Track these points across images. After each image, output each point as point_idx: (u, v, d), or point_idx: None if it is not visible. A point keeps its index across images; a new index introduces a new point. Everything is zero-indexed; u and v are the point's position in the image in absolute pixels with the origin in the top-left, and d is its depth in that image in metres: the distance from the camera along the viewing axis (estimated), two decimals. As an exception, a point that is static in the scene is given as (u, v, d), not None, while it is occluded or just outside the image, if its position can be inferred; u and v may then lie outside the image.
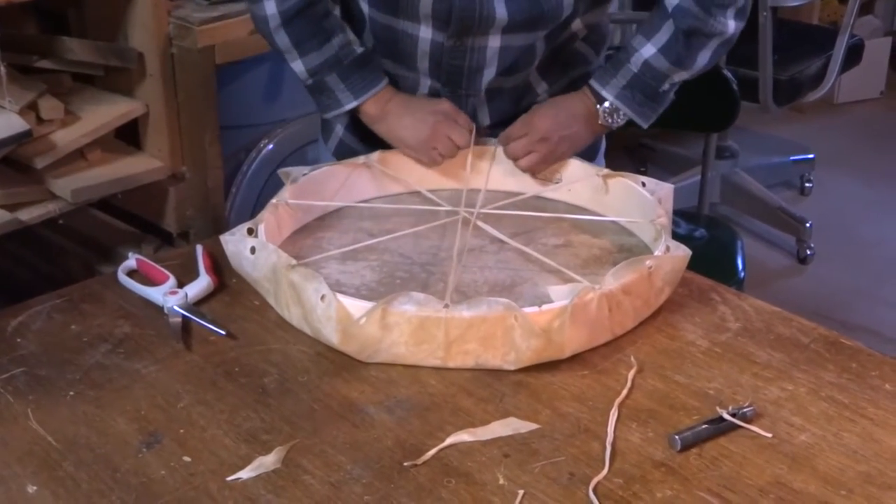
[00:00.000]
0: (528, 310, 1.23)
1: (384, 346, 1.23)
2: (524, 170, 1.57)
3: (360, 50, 1.56)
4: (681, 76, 1.54)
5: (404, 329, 1.22)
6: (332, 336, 1.25)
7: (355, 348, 1.24)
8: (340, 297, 1.24)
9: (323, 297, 1.24)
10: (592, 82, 1.56)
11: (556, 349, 1.24)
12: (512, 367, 1.24)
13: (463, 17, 1.49)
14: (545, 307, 1.24)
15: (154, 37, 2.12)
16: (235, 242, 1.37)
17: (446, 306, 1.22)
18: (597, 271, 1.38)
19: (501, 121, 1.62)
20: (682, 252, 1.36)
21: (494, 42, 1.53)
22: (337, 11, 1.57)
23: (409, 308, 1.22)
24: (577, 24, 1.59)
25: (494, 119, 1.62)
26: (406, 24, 1.54)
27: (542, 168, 1.58)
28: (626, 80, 1.53)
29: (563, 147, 1.57)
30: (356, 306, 1.23)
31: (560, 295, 1.29)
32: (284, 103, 2.55)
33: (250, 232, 1.37)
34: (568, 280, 1.34)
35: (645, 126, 1.58)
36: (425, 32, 1.53)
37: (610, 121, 1.56)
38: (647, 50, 1.51)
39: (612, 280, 1.27)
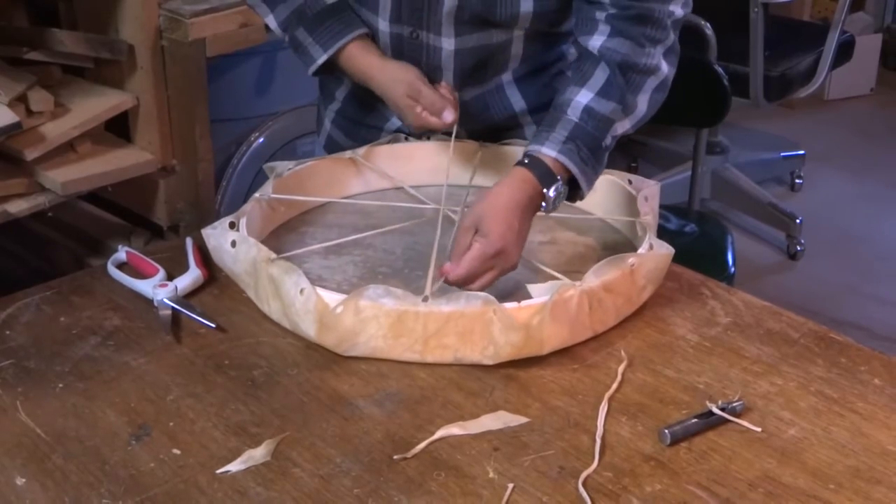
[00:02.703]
0: (507, 306, 1.23)
1: (362, 339, 1.23)
2: (479, 289, 1.28)
3: (330, 1, 1.52)
4: (623, 126, 1.40)
5: (383, 322, 1.22)
6: (309, 329, 1.25)
7: (333, 341, 1.24)
8: (320, 290, 1.24)
9: (302, 291, 1.24)
10: (529, 150, 1.36)
11: (536, 345, 1.23)
12: (490, 362, 1.24)
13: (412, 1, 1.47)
14: (524, 303, 1.24)
15: (144, 29, 2.12)
16: (217, 236, 1.37)
17: (425, 300, 1.22)
18: (581, 269, 1.37)
19: (473, 131, 1.60)
20: (666, 250, 1.36)
21: (448, 44, 1.50)
22: None
23: (388, 302, 1.22)
24: (572, 51, 1.55)
25: (467, 127, 1.60)
26: (368, 15, 1.53)
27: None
28: (566, 133, 1.36)
29: (517, 255, 1.32)
30: (336, 300, 1.23)
31: (540, 292, 1.28)
32: (275, 96, 2.55)
33: (232, 226, 1.37)
34: (549, 277, 1.34)
35: (586, 192, 1.39)
36: (383, 25, 1.52)
37: (552, 207, 1.35)
38: (584, 96, 1.37)
39: (594, 277, 1.27)
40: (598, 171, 1.40)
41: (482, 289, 1.28)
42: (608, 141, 1.39)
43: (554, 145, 1.35)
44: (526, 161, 1.35)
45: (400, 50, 1.53)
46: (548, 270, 1.36)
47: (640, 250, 1.34)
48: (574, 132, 1.36)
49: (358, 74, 1.54)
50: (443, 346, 1.23)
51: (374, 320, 1.22)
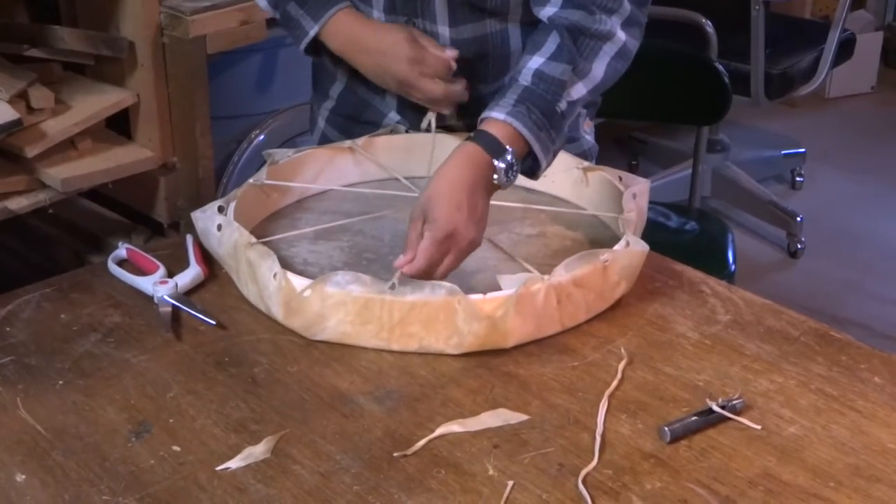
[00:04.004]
0: (473, 297, 1.23)
1: (331, 324, 1.25)
2: (441, 277, 1.28)
3: None
4: (578, 91, 1.38)
5: (350, 308, 1.24)
6: (278, 312, 1.27)
7: (300, 324, 1.26)
8: (291, 276, 1.26)
9: (275, 276, 1.26)
10: (480, 120, 1.35)
11: (500, 337, 1.24)
12: (454, 352, 1.24)
13: None
14: (490, 295, 1.25)
15: (145, 26, 2.12)
16: (205, 219, 1.39)
17: (392, 287, 1.23)
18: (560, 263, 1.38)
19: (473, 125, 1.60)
20: (640, 248, 1.36)
21: (444, 32, 1.50)
22: None
23: (355, 289, 1.23)
24: None
25: (468, 122, 1.59)
26: (363, 6, 1.54)
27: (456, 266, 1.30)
28: (516, 96, 1.34)
29: (473, 232, 1.29)
30: (305, 285, 1.25)
31: (509, 284, 1.28)
32: (276, 94, 2.55)
33: (221, 210, 1.38)
34: (522, 269, 1.35)
35: (543, 164, 1.37)
36: (378, 15, 1.52)
37: (504, 178, 1.32)
38: (535, 61, 1.36)
39: (563, 271, 1.27)
40: (557, 140, 1.38)
41: (445, 275, 1.27)
42: (563, 105, 1.36)
43: (503, 109, 1.33)
44: (471, 136, 1.33)
45: None
46: (521, 262, 1.37)
47: (617, 247, 1.34)
48: (524, 95, 1.34)
49: (350, 41, 1.52)
50: (408, 334, 1.24)
51: (342, 306, 1.24)
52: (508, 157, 1.32)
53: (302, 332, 1.27)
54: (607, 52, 1.40)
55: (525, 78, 1.36)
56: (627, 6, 1.41)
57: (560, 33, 1.38)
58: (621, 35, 1.40)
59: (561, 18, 1.39)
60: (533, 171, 1.39)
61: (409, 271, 1.26)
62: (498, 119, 1.33)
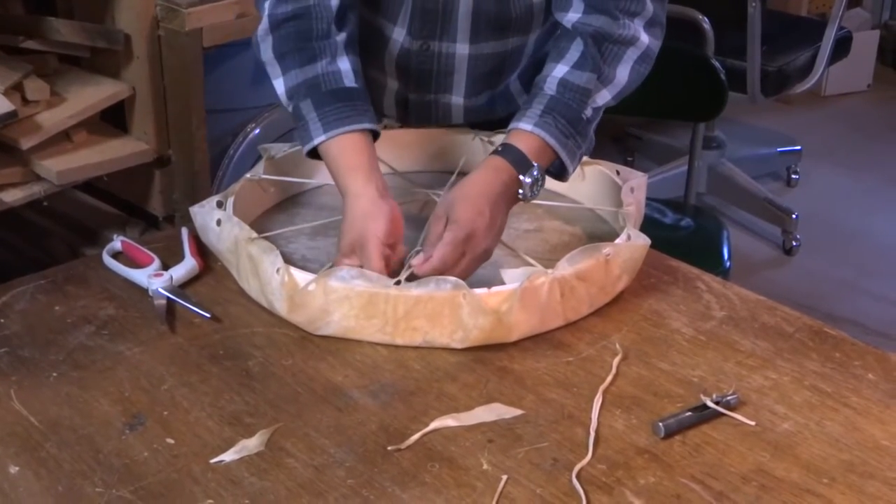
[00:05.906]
0: (477, 291, 1.23)
1: (335, 318, 1.24)
2: (462, 277, 1.25)
3: (349, 84, 1.39)
4: (603, 97, 1.39)
5: (355, 303, 1.23)
6: (282, 308, 1.26)
7: (304, 319, 1.26)
8: (294, 270, 1.26)
9: (278, 271, 1.26)
10: (508, 129, 1.37)
11: (505, 331, 1.24)
12: (459, 346, 1.24)
13: (424, 9, 1.45)
14: (494, 289, 1.25)
15: (141, 19, 2.12)
16: (203, 214, 1.38)
17: (398, 283, 1.23)
18: (563, 257, 1.38)
19: (475, 123, 1.60)
20: (642, 241, 1.36)
21: (463, 49, 1.49)
22: (341, 38, 1.40)
23: (359, 283, 1.23)
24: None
25: (468, 120, 1.59)
26: (384, 24, 1.51)
27: (472, 272, 1.30)
28: (542, 106, 1.35)
29: (489, 241, 1.30)
30: (308, 280, 1.25)
31: (513, 278, 1.28)
32: (271, 88, 2.54)
33: (220, 205, 1.38)
34: (526, 263, 1.35)
35: (570, 167, 1.38)
36: (398, 34, 1.50)
37: (529, 193, 1.33)
38: (559, 70, 1.37)
39: (566, 265, 1.28)
40: (583, 146, 1.39)
41: (463, 274, 1.27)
42: (588, 112, 1.38)
43: (530, 120, 1.35)
44: (500, 149, 1.35)
45: (407, 63, 1.52)
46: (524, 257, 1.37)
47: (618, 241, 1.35)
48: (550, 105, 1.36)
49: (338, 172, 1.36)
50: (412, 328, 1.24)
51: (346, 301, 1.23)
52: (535, 173, 1.33)
53: (305, 326, 1.26)
54: (631, 56, 1.40)
55: (550, 87, 1.37)
56: (650, 7, 1.40)
57: (584, 41, 1.37)
58: (644, 38, 1.40)
59: (585, 25, 1.38)
60: (560, 174, 1.40)
61: (423, 270, 1.26)
62: (525, 130, 1.34)
